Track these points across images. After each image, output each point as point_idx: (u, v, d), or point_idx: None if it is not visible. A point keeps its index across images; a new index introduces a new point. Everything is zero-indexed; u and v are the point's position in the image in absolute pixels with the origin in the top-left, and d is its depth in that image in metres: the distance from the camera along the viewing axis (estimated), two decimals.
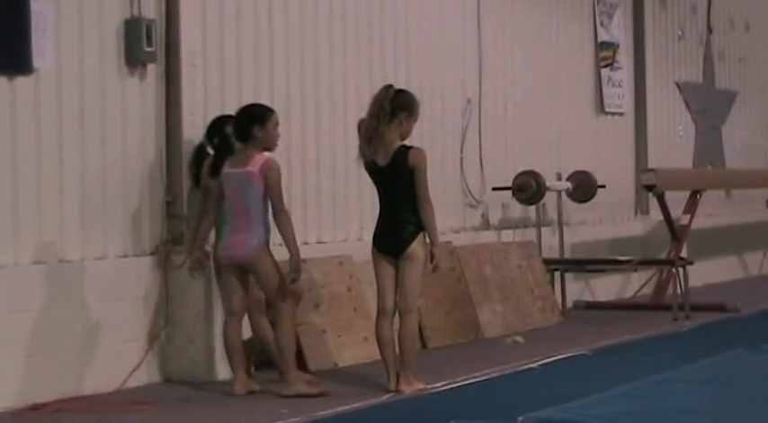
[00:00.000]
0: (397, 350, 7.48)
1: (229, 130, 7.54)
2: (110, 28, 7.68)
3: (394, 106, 7.38)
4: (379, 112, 7.35)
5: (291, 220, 7.33)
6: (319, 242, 9.16)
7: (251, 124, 7.33)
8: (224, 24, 8.42)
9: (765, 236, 15.75)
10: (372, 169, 7.50)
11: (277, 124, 7.41)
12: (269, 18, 8.81)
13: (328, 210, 9.30)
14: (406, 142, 7.46)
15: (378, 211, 7.59)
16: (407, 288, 7.45)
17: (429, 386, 7.43)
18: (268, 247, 7.32)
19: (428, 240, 7.44)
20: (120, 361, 7.59)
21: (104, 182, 7.64)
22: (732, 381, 6.87)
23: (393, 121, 7.37)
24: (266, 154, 7.32)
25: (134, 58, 7.78)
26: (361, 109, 9.60)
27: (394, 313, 7.53)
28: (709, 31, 14.79)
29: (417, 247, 7.41)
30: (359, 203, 9.55)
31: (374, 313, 8.93)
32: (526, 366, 8.27)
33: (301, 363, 8.17)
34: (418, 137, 10.10)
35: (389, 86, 7.50)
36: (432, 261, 7.44)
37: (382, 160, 7.41)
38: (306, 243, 9.02)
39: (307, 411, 6.75)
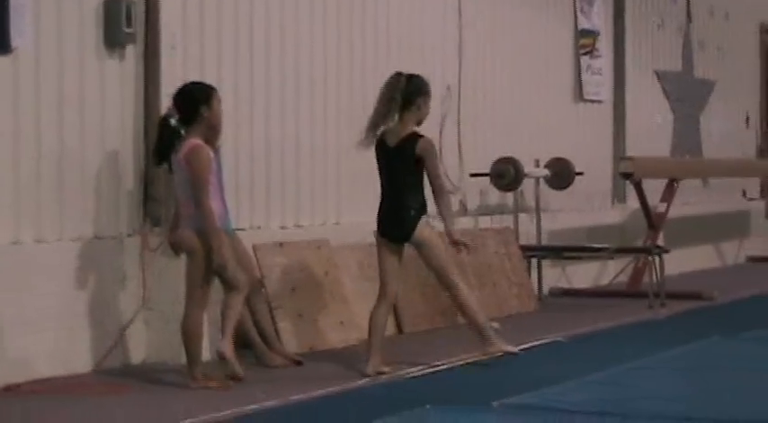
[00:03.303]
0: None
1: (170, 111, 7.26)
2: (89, 8, 7.64)
3: (409, 93, 7.44)
4: (390, 101, 7.40)
5: (213, 213, 6.97)
6: (297, 226, 9.16)
7: (197, 104, 7.14)
8: (204, 6, 8.39)
9: (741, 225, 15.83)
10: (381, 150, 7.52)
11: (220, 102, 7.28)
12: (250, 1, 8.78)
13: (306, 194, 9.29)
14: (418, 130, 7.52)
15: (379, 196, 7.63)
16: (437, 270, 7.60)
17: (516, 349, 7.61)
18: (203, 232, 7.03)
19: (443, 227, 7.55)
20: (96, 342, 7.58)
21: (82, 163, 7.61)
22: (707, 368, 6.91)
23: (410, 108, 7.45)
24: (194, 140, 7.03)
25: (113, 39, 7.74)
26: (341, 94, 9.65)
27: (394, 299, 7.68)
28: (689, 19, 14.82)
29: (424, 231, 7.49)
30: (337, 188, 9.55)
31: (351, 297, 8.99)
32: (501, 352, 8.28)
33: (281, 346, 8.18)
34: None
35: (400, 74, 7.55)
36: (458, 247, 7.56)
37: (392, 141, 7.46)
38: (283, 227, 9.03)
39: (283, 395, 6.75)
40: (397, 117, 7.46)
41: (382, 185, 7.63)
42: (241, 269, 7.33)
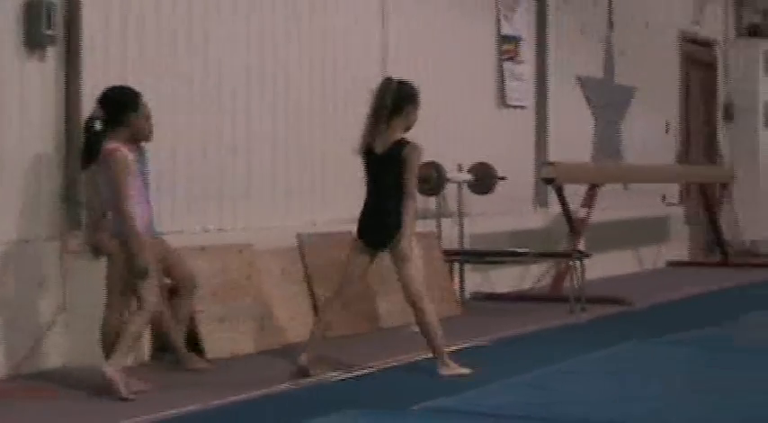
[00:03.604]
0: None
1: (95, 113, 7.13)
2: (9, 9, 7.55)
3: (399, 100, 7.49)
4: (382, 107, 7.45)
5: (132, 217, 6.89)
6: (220, 230, 9.12)
7: (124, 108, 7.09)
8: (126, 7, 8.33)
9: (661, 230, 16.01)
10: (368, 156, 7.55)
11: (147, 106, 7.22)
12: (172, 1, 8.73)
13: (229, 197, 9.25)
14: (407, 136, 7.55)
15: (363, 200, 7.69)
16: (406, 281, 7.58)
17: (470, 372, 7.49)
18: (122, 236, 6.96)
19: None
20: (14, 346, 7.49)
21: (2, 165, 7.52)
22: (626, 372, 6.97)
23: (399, 114, 7.49)
24: (113, 144, 6.94)
25: (34, 40, 7.66)
26: (265, 96, 9.62)
27: (346, 300, 7.77)
28: (611, 27, 14.96)
29: (404, 241, 7.51)
30: (260, 191, 9.52)
31: (272, 302, 8.97)
32: (424, 357, 8.31)
33: (198, 350, 8.15)
34: (320, 127, 10.16)
35: (390, 80, 7.59)
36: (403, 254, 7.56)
37: (380, 148, 7.49)
38: (206, 230, 8.98)
39: (204, 400, 6.72)
40: (386, 124, 7.49)
41: (368, 191, 7.65)
42: (154, 287, 7.15)
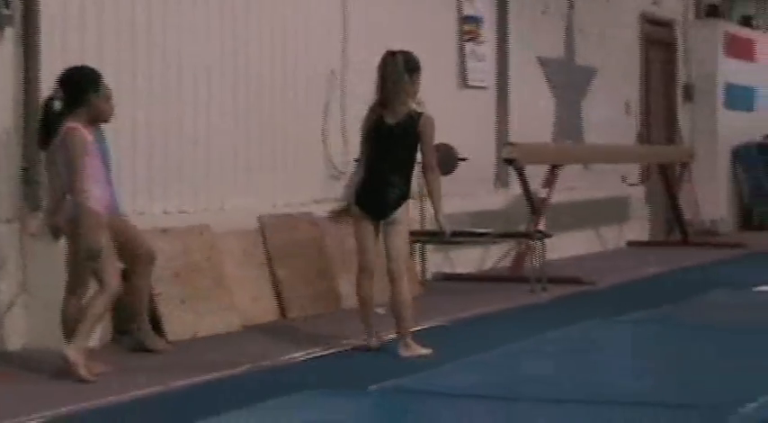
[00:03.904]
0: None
1: (55, 93, 7.06)
2: None
3: (407, 70, 7.56)
4: (398, 79, 7.51)
5: (87, 197, 6.83)
6: (180, 211, 9.10)
7: (85, 88, 7.03)
8: None
9: (621, 210, 16.08)
10: (378, 128, 7.58)
11: (108, 87, 7.19)
12: None
13: (189, 179, 9.23)
14: (417, 108, 7.61)
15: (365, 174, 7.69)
16: (395, 254, 7.61)
17: (430, 352, 7.50)
18: (78, 217, 6.91)
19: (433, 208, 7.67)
20: None
21: None
22: (586, 351, 7.02)
23: (409, 85, 7.56)
24: (71, 124, 6.89)
25: None
26: (225, 79, 9.60)
27: (374, 272, 7.72)
28: (571, 6, 14.98)
29: (402, 213, 7.58)
30: (220, 173, 9.50)
31: (234, 283, 8.96)
32: (385, 337, 8.33)
33: (160, 332, 8.14)
34: (281, 111, 10.14)
35: (393, 53, 7.65)
36: (439, 229, 7.65)
37: (391, 120, 7.54)
38: (166, 212, 8.96)
39: (165, 381, 6.72)
40: (402, 94, 7.56)
41: (373, 162, 7.66)
42: (113, 268, 7.13)
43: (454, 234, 11.53)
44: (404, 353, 7.59)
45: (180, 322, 8.38)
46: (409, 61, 7.65)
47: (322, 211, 10.24)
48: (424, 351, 7.60)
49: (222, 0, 9.54)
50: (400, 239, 7.64)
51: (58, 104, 7.02)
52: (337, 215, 7.94)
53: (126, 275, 7.62)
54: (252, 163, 9.87)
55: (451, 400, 4.88)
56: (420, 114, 7.61)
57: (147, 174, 8.83)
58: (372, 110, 7.70)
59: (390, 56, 7.66)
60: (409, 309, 7.71)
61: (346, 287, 9.97)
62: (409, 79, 7.58)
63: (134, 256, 7.72)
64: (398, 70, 7.56)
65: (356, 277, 7.86)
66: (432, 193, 7.66)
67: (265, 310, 9.25)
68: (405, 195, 7.61)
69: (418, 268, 11.13)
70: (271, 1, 10.07)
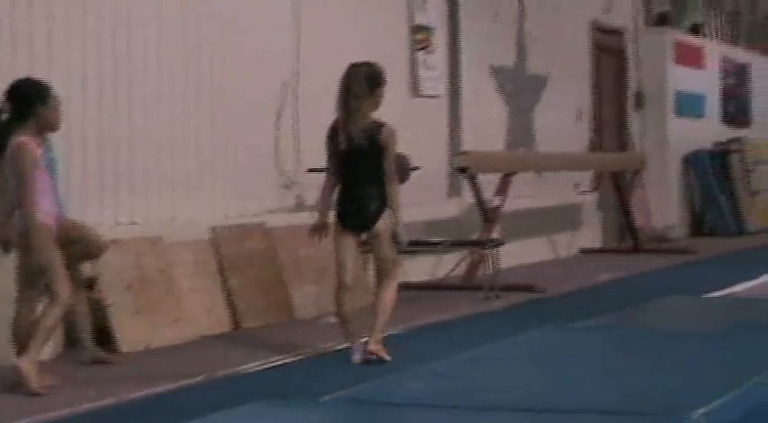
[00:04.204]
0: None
1: (2, 106, 7.00)
2: None
3: (371, 83, 7.59)
4: (360, 93, 7.53)
5: (36, 211, 6.80)
6: (132, 223, 9.06)
7: (33, 101, 6.98)
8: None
9: (574, 217, 16.16)
10: (346, 142, 7.60)
11: (57, 100, 7.15)
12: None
13: (140, 190, 9.20)
14: (377, 118, 7.65)
15: (340, 189, 7.76)
16: (384, 260, 7.74)
17: (390, 360, 7.58)
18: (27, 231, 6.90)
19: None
20: None
21: None
22: (537, 359, 7.05)
23: (371, 98, 7.58)
24: (20, 138, 6.84)
25: None
26: (176, 88, 9.57)
27: (352, 287, 7.86)
28: (522, 14, 15.06)
29: (383, 224, 7.65)
30: (172, 183, 9.47)
31: (186, 294, 8.94)
32: (337, 347, 8.34)
33: (112, 344, 8.10)
34: (232, 118, 10.12)
35: (358, 65, 7.67)
36: (396, 239, 7.68)
37: (356, 132, 7.56)
38: (118, 223, 8.93)
39: (117, 393, 6.69)
40: (363, 109, 7.59)
41: (344, 177, 7.69)
42: (64, 280, 7.06)
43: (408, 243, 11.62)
44: (372, 347, 7.63)
45: (133, 334, 8.35)
46: (372, 73, 7.66)
47: (274, 220, 10.25)
48: (387, 357, 7.62)
49: (174, 9, 9.52)
50: (386, 247, 7.73)
51: (4, 116, 6.99)
52: (317, 230, 7.91)
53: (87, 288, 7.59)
54: (204, 173, 9.85)
55: (404, 410, 4.89)
56: (382, 125, 7.63)
57: (98, 185, 8.79)
58: (336, 123, 7.70)
59: (353, 67, 7.67)
60: (389, 311, 7.80)
61: (299, 297, 9.98)
62: (372, 91, 7.58)
63: (86, 252, 7.65)
64: (361, 82, 7.56)
65: (335, 294, 7.89)
66: (393, 204, 7.69)
67: (218, 321, 9.23)
68: (384, 205, 7.65)
69: (371, 278, 11.12)
70: (223, 11, 10.06)
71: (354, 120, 7.59)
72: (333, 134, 7.72)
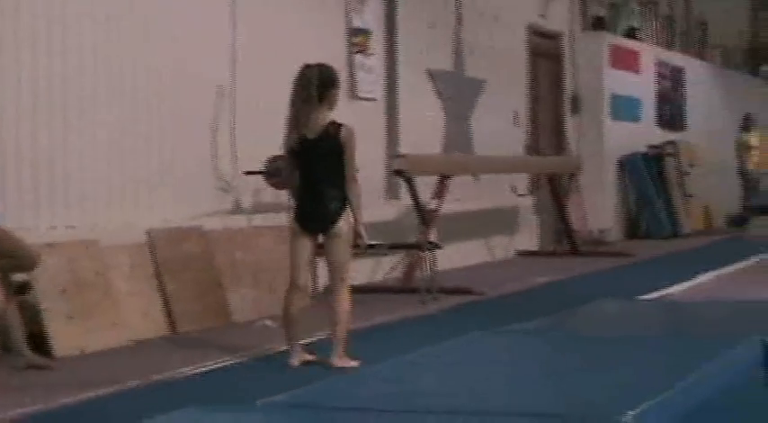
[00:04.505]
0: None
1: None
2: None
3: (323, 85, 7.53)
4: (310, 96, 7.47)
5: None
6: (67, 226, 9.01)
7: None
8: None
9: (511, 220, 16.26)
10: (302, 145, 7.54)
11: None
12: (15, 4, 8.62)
13: (76, 193, 9.15)
14: (336, 118, 7.62)
15: (301, 190, 7.68)
16: (337, 265, 7.62)
17: (360, 364, 7.47)
18: None
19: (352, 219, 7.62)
20: None
21: None
22: (470, 362, 7.08)
23: (325, 98, 7.53)
24: None
25: None
26: (113, 93, 9.53)
27: (305, 289, 7.74)
28: (459, 19, 15.12)
29: (343, 224, 7.55)
30: (108, 187, 9.43)
31: (122, 298, 8.90)
32: (275, 350, 8.34)
33: (47, 349, 8.04)
34: (169, 121, 10.09)
35: (310, 66, 7.61)
36: (357, 239, 7.62)
37: (311, 134, 7.50)
38: (53, 227, 8.88)
39: (51, 399, 6.65)
40: (316, 111, 7.54)
41: (303, 179, 7.65)
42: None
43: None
44: (337, 363, 7.59)
45: (67, 338, 8.30)
46: (324, 74, 7.63)
47: (212, 223, 10.23)
48: (354, 363, 7.60)
49: (109, 14, 9.48)
50: (342, 250, 7.64)
51: None
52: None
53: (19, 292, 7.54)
54: (140, 177, 9.81)
55: (340, 414, 4.89)
56: (340, 126, 7.62)
57: (32, 188, 8.73)
58: (291, 125, 7.64)
59: (306, 68, 7.64)
60: (348, 321, 7.73)
61: (236, 300, 9.96)
62: (325, 92, 7.56)
63: (18, 264, 7.63)
64: (313, 83, 7.54)
65: (286, 294, 7.82)
66: (354, 205, 7.65)
67: (155, 325, 9.20)
68: (343, 205, 7.60)
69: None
70: (159, 15, 10.03)
71: (308, 121, 7.57)
72: (289, 136, 7.67)
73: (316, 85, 7.53)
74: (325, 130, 7.55)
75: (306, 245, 7.69)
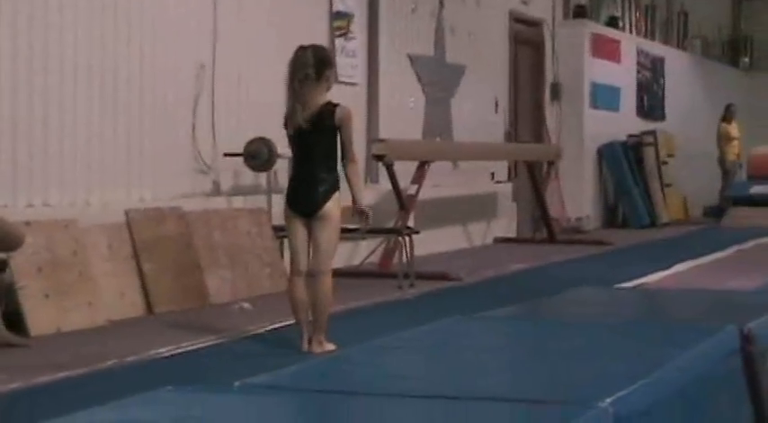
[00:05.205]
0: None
1: None
2: None
3: (319, 66, 7.48)
4: (306, 79, 7.43)
5: None
6: (45, 205, 8.98)
7: None
8: None
9: (489, 207, 16.27)
10: (295, 126, 7.52)
11: None
12: None
13: (54, 172, 9.11)
14: (332, 99, 7.57)
15: (290, 171, 7.89)
16: (323, 248, 7.54)
17: (337, 348, 7.41)
18: None
19: (354, 198, 7.62)
20: None
21: None
22: (447, 347, 7.09)
23: (321, 80, 7.48)
24: None
25: None
26: (93, 72, 9.48)
27: (304, 272, 7.61)
28: (441, 5, 15.11)
29: (332, 207, 7.50)
30: (87, 166, 9.39)
31: (100, 278, 8.87)
32: (252, 332, 8.34)
33: (22, 327, 8.02)
34: (149, 101, 10.06)
35: (305, 48, 7.57)
36: (361, 220, 7.63)
37: (307, 115, 7.46)
38: (31, 205, 8.84)
39: (26, 377, 6.63)
40: (313, 92, 7.50)
41: (296, 160, 7.65)
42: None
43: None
44: (316, 349, 7.54)
45: (43, 317, 8.27)
46: (318, 55, 7.59)
47: (190, 205, 10.21)
48: (331, 346, 7.57)
49: None
50: (328, 235, 7.56)
51: None
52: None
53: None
54: (119, 157, 9.78)
55: (316, 396, 4.89)
56: (336, 106, 7.58)
57: (10, 167, 8.70)
58: (287, 107, 7.62)
59: (301, 50, 7.61)
60: (328, 307, 7.68)
61: (214, 281, 9.95)
62: (320, 74, 7.52)
63: (3, 244, 7.60)
64: (307, 65, 7.49)
65: (288, 279, 7.80)
66: (352, 183, 7.63)
67: (132, 305, 9.18)
68: (333, 188, 7.54)
69: (287, 264, 11.12)
70: None
71: (303, 103, 7.52)
72: (286, 119, 7.65)
73: (312, 65, 7.50)
74: (321, 111, 7.52)
75: (299, 229, 7.63)
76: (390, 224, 12.40)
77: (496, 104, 16.76)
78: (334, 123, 7.51)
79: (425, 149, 13.43)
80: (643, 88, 21.37)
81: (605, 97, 19.41)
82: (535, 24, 18.10)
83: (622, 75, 20.24)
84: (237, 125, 11.20)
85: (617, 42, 20.09)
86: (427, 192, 12.84)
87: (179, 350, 7.67)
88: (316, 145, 7.54)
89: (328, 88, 7.64)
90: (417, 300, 10.43)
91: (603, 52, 19.35)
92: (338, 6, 12.93)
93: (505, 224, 16.68)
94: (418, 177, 12.48)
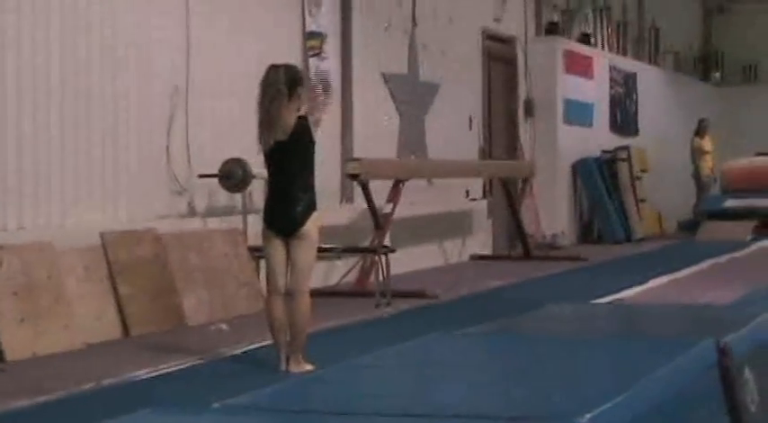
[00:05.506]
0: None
1: None
2: None
3: (291, 84, 7.48)
4: (278, 96, 7.43)
5: None
6: (19, 228, 8.94)
7: None
8: None
9: (464, 224, 16.28)
10: (273, 148, 7.49)
11: None
12: None
13: (28, 195, 9.07)
14: (304, 113, 7.61)
15: (268, 191, 7.74)
16: (300, 268, 7.52)
17: (315, 368, 7.38)
18: None
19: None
20: None
21: None
22: (425, 365, 7.09)
23: (293, 98, 7.48)
24: None
25: None
26: (66, 92, 9.46)
27: (282, 292, 7.60)
28: (414, 23, 15.14)
29: (311, 227, 7.48)
30: (61, 187, 9.36)
31: (75, 300, 8.84)
32: (230, 353, 8.32)
33: None
34: (124, 122, 10.04)
35: (276, 67, 7.58)
36: None
37: (281, 134, 7.46)
38: (4, 229, 8.80)
39: (2, 402, 6.59)
40: (284, 112, 7.50)
41: (273, 180, 7.64)
42: None
43: None
44: (294, 369, 7.53)
45: (19, 341, 8.23)
46: (290, 74, 7.61)
47: (165, 226, 10.18)
48: (309, 367, 7.55)
49: (62, 13, 9.41)
50: (306, 254, 7.57)
51: None
52: None
53: None
54: (93, 179, 9.75)
55: (296, 417, 4.89)
56: (305, 117, 7.64)
57: None
58: (260, 127, 7.61)
59: (273, 69, 7.62)
60: (306, 326, 7.66)
61: (190, 303, 9.92)
62: (291, 92, 7.53)
63: None
64: (279, 82, 7.51)
65: (266, 300, 7.77)
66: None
67: (108, 328, 9.15)
68: (310, 207, 7.56)
69: (263, 285, 11.10)
70: (113, 15, 9.97)
71: (275, 121, 7.53)
72: (260, 139, 7.64)
73: (284, 82, 7.51)
74: (295, 128, 7.54)
75: (277, 248, 7.62)
76: (366, 243, 12.41)
77: (470, 121, 16.79)
78: (309, 139, 7.56)
79: (400, 168, 13.44)
80: (616, 104, 21.45)
81: (578, 113, 19.47)
82: (508, 41, 18.15)
83: (595, 91, 20.32)
84: (212, 146, 11.18)
85: (589, 58, 20.17)
86: (403, 210, 12.85)
87: (156, 372, 7.64)
88: (291, 164, 7.55)
89: (299, 108, 7.64)
90: (395, 318, 10.43)
91: (576, 68, 19.42)
92: (311, 26, 12.94)
93: (481, 241, 16.70)
94: (393, 196, 12.49)
